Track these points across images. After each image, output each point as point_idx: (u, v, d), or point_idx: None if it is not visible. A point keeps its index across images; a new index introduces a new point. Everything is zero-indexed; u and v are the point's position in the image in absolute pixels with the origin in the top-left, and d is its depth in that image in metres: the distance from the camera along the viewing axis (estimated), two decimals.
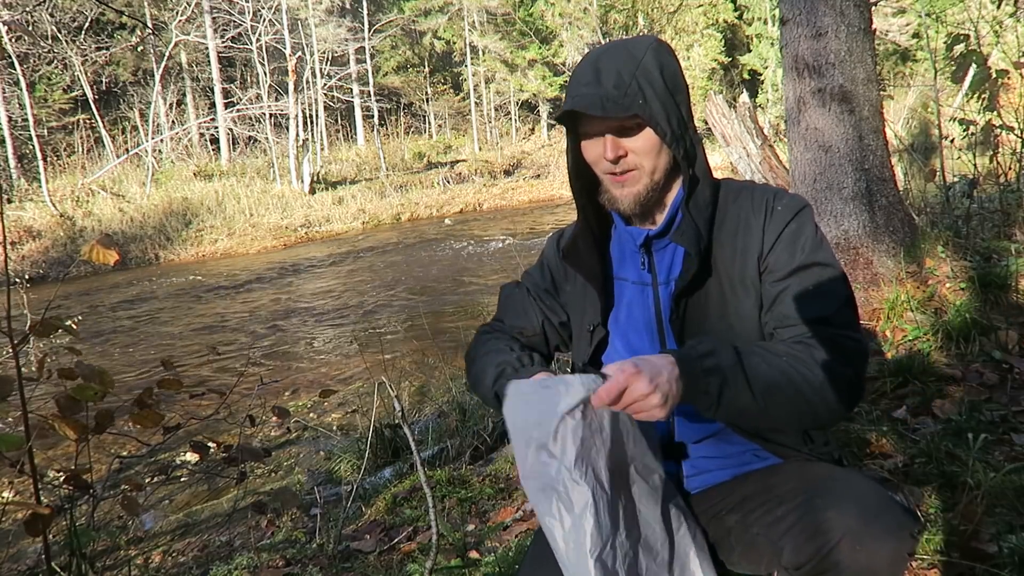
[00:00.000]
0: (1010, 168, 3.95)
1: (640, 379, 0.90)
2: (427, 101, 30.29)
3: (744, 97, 4.96)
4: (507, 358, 1.21)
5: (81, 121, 21.51)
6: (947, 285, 3.01)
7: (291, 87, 19.18)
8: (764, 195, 1.16)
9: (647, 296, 1.20)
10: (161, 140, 21.20)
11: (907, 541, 0.93)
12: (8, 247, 13.84)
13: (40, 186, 16.90)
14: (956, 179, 4.70)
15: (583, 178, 1.21)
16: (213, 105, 23.15)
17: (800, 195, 1.18)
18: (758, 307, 1.13)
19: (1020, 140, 3.75)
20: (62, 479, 1.91)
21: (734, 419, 1.03)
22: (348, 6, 26.37)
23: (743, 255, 1.13)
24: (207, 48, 22.43)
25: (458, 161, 24.71)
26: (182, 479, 4.16)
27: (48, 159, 19.01)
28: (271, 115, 20.86)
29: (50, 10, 18.63)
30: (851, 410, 1.05)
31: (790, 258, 1.10)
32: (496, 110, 30.99)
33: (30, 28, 18.39)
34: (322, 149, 23.74)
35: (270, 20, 21.17)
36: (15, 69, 17.66)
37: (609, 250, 1.26)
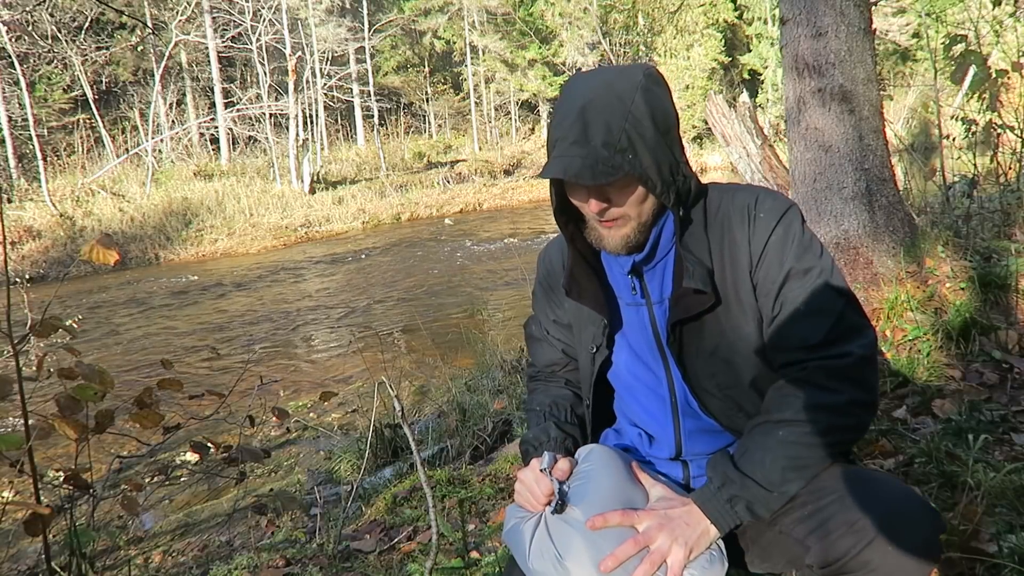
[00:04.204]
0: (1010, 168, 3.95)
1: (662, 547, 1.01)
2: (427, 101, 30.29)
3: (744, 97, 4.96)
4: (534, 434, 1.27)
5: (81, 121, 21.51)
6: (947, 285, 3.00)
7: (291, 87, 19.19)
8: (745, 201, 1.12)
9: (643, 316, 1.18)
10: (161, 140, 21.20)
11: (936, 542, 0.94)
12: (8, 247, 13.84)
13: (40, 186, 16.90)
14: (956, 179, 4.70)
15: (568, 212, 1.17)
16: (213, 105, 23.15)
17: (783, 195, 1.14)
18: (756, 321, 1.11)
19: (1020, 140, 3.75)
20: (62, 479, 1.91)
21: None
22: (348, 6, 26.37)
23: (733, 270, 1.11)
24: (207, 48, 22.43)
25: (458, 161, 24.72)
26: (182, 479, 4.16)
27: (48, 159, 19.02)
28: (271, 115, 20.86)
29: (50, 10, 18.63)
30: (873, 410, 1.07)
31: (779, 269, 1.08)
32: (496, 110, 30.99)
33: (30, 28, 18.39)
34: (322, 149, 23.74)
35: (270, 20, 21.17)
36: (15, 69, 17.66)
37: (605, 271, 1.23)
